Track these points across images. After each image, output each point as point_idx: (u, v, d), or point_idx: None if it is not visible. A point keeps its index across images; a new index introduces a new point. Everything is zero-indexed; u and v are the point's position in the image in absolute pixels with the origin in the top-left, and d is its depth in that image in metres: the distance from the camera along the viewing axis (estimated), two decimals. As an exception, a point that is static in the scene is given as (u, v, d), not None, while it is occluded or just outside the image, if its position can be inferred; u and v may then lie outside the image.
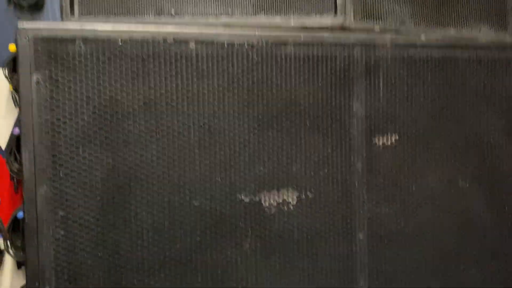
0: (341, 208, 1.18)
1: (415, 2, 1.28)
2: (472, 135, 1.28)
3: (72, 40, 1.00)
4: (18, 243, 2.97)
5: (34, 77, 0.99)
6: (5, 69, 3.04)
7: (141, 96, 1.05)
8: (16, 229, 3.01)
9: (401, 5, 1.27)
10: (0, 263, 3.12)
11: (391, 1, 1.26)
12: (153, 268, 1.07)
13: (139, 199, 1.06)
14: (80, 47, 1.00)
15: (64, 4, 1.11)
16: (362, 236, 1.19)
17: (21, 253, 2.93)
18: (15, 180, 3.06)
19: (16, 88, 3.03)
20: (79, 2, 1.11)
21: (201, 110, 1.09)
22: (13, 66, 3.09)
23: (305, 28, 1.18)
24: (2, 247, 2.93)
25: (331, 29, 1.19)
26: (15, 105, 3.12)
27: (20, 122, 0.99)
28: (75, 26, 1.01)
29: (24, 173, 0.99)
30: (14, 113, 3.16)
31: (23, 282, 3.12)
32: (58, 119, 1.01)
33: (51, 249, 1.00)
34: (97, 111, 1.03)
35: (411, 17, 1.28)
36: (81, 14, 1.11)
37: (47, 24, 1.00)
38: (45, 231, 1.00)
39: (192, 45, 1.07)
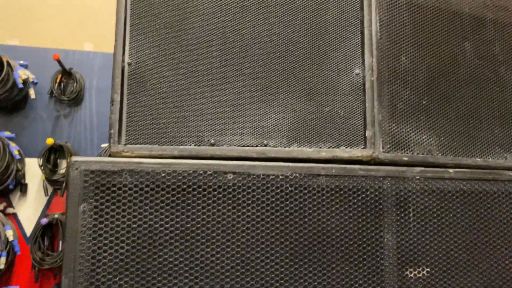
0: None
1: (441, 133, 1.34)
2: (504, 268, 1.26)
3: (119, 173, 1.07)
4: (32, 337, 2.88)
5: (81, 207, 1.05)
6: (39, 160, 3.18)
7: (178, 225, 1.09)
8: (31, 321, 2.94)
9: (428, 136, 1.33)
10: None
11: (418, 132, 1.32)
12: None
13: (170, 330, 1.05)
14: (127, 179, 1.07)
15: (113, 132, 1.20)
16: None
17: None
18: (36, 269, 3.07)
19: (47, 178, 3.13)
20: (126, 132, 1.20)
21: (235, 239, 1.11)
22: (47, 157, 3.23)
23: (335, 159, 1.24)
24: None
25: (360, 160, 1.25)
26: (45, 194, 3.22)
27: (64, 251, 1.03)
28: (123, 160, 1.08)
29: (62, 301, 1.01)
30: (43, 201, 3.26)
31: None
32: (99, 248, 1.04)
33: None
34: (136, 240, 1.06)
35: (438, 148, 1.33)
36: (127, 143, 1.19)
37: (97, 159, 1.08)
38: None
39: (229, 176, 1.13)
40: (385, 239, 1.19)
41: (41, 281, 2.99)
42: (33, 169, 3.09)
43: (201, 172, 1.11)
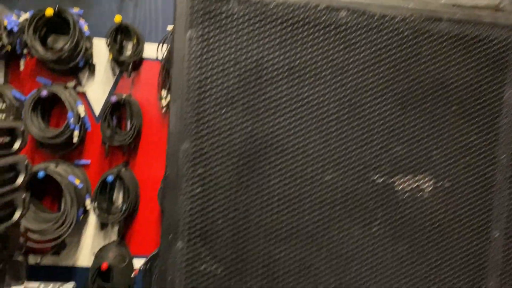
0: (478, 201, 1.10)
1: None
2: None
3: (227, 0, 1.00)
4: (104, 206, 3.11)
5: (188, 34, 1.00)
6: (107, 39, 3.16)
7: (286, 62, 1.03)
8: (103, 192, 3.16)
9: None
10: (85, 223, 3.29)
11: (554, -17, 1.14)
12: (279, 237, 1.06)
13: (273, 166, 1.04)
14: (235, 7, 1.00)
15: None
16: (498, 233, 1.10)
17: (106, 215, 3.07)
18: (106, 145, 3.21)
19: (115, 58, 3.14)
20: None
21: (344, 81, 1.05)
22: (114, 36, 3.21)
23: (457, 6, 1.10)
24: (89, 208, 3.08)
25: (485, 9, 1.10)
26: (112, 74, 3.25)
27: (172, 77, 1.00)
28: (231, -15, 1.00)
29: (170, 127, 1.01)
30: (110, 82, 3.31)
31: (104, 242, 3.27)
32: (206, 78, 1.01)
33: (187, 204, 1.01)
34: (242, 74, 1.02)
35: None
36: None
37: (205, -18, 1.00)
38: (183, 186, 1.01)
39: (342, 13, 1.03)
40: (506, 95, 1.08)
41: (110, 157, 3.15)
42: (100, 50, 3.11)
43: (312, 5, 1.02)
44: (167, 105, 3.16)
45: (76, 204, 2.83)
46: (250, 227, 1.04)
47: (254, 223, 1.04)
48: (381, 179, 1.07)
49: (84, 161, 3.15)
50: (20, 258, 1.73)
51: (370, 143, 1.06)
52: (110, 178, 2.88)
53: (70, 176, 2.85)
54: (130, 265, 3.06)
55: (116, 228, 3.15)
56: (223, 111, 1.01)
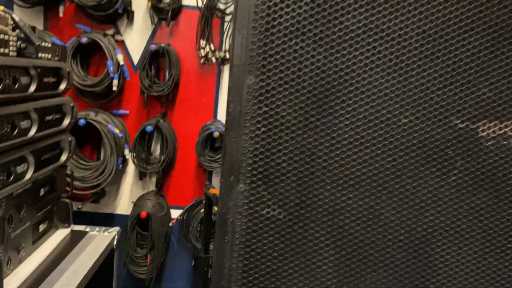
0: None
1: None
2: None
3: None
4: (143, 155, 3.09)
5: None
6: (146, -15, 3.01)
7: (364, -11, 0.91)
8: (141, 142, 3.13)
9: None
10: (124, 172, 3.31)
11: None
12: (346, 184, 0.98)
13: (344, 106, 0.95)
14: None
15: None
16: None
17: (144, 165, 3.05)
18: (145, 95, 3.16)
19: (154, 5, 3.02)
20: None
21: (429, 12, 0.93)
22: (154, -19, 3.04)
23: None
24: (128, 157, 3.08)
25: None
26: (151, 22, 3.15)
27: (237, 4, 0.90)
28: None
29: (234, 59, 0.92)
30: (148, 30, 3.21)
31: (142, 192, 3.28)
32: (275, 4, 0.91)
33: (250, 145, 0.94)
34: (316, 0, 0.91)
35: None
36: None
37: None
38: (247, 125, 0.94)
39: None
40: None
41: (148, 108, 3.12)
42: (138, -4, 3.00)
43: None
44: (206, 56, 3.06)
45: (116, 153, 2.83)
46: (316, 172, 0.97)
47: (320, 167, 0.97)
48: (464, 124, 0.96)
49: (123, 111, 3.13)
50: (67, 201, 1.73)
51: (455, 83, 0.95)
52: (149, 128, 2.86)
53: (109, 125, 2.84)
54: (168, 215, 3.09)
55: (154, 179, 3.17)
56: (292, 42, 0.92)
